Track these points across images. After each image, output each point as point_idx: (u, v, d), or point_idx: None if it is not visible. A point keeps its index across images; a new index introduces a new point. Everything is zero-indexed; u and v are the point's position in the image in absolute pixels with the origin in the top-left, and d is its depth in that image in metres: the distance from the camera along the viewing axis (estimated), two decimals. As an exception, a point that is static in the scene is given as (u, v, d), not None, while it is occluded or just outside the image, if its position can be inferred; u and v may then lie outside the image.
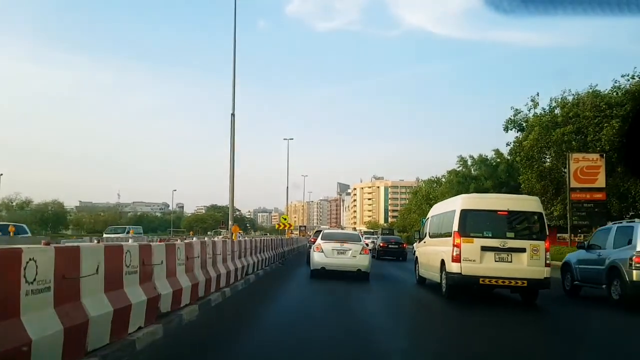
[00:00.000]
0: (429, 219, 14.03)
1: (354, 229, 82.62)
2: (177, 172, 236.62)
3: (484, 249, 10.19)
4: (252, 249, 14.37)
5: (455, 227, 10.52)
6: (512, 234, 10.34)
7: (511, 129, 29.86)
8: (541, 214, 10.75)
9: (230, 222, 26.06)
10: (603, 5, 2.12)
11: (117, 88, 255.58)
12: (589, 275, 11.69)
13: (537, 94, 28.58)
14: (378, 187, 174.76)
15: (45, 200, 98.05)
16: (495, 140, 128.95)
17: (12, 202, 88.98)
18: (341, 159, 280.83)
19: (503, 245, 10.15)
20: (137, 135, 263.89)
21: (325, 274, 14.25)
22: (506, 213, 10.52)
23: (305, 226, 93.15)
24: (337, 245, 14.44)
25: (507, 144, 30.60)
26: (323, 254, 14.30)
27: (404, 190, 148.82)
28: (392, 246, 28.01)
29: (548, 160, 28.43)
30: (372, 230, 65.97)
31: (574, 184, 25.02)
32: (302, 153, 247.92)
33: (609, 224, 12.45)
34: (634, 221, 11.50)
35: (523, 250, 10.14)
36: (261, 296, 10.57)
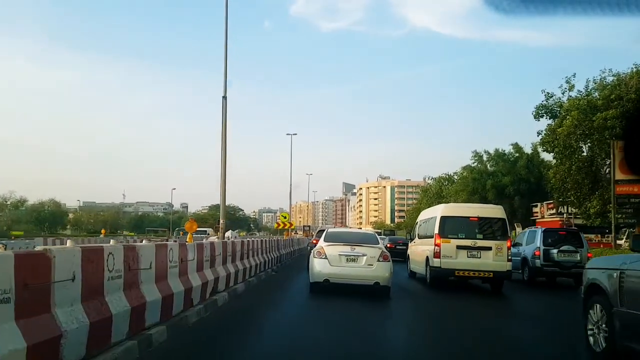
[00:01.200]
0: (418, 224, 15.91)
1: (360, 229, 78.99)
2: (183, 173, 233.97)
3: (459, 247, 12.38)
4: (226, 255, 10.40)
5: (436, 230, 12.67)
6: (481, 236, 12.52)
7: (542, 116, 26.03)
8: (504, 219, 12.89)
9: (222, 221, 22.45)
10: (603, 5, 2.08)
11: (120, 87, 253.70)
12: (513, 265, 14.65)
13: (574, 75, 24.82)
14: (384, 186, 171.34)
15: (42, 200, 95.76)
16: (498, 139, 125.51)
17: (6, 201, 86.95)
18: (347, 158, 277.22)
19: (474, 245, 12.36)
20: (142, 135, 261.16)
21: (330, 289, 10.61)
22: (476, 219, 12.73)
23: (309, 226, 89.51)
24: (347, 249, 10.67)
25: (538, 133, 26.70)
26: (327, 262, 10.53)
27: (410, 189, 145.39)
28: (400, 247, 26.44)
29: (585, 150, 24.65)
30: (379, 231, 62.53)
31: (619, 175, 21.42)
32: (307, 153, 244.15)
33: (527, 229, 17.93)
34: (538, 227, 17.26)
35: (489, 248, 12.33)
36: (221, 340, 6.40)
